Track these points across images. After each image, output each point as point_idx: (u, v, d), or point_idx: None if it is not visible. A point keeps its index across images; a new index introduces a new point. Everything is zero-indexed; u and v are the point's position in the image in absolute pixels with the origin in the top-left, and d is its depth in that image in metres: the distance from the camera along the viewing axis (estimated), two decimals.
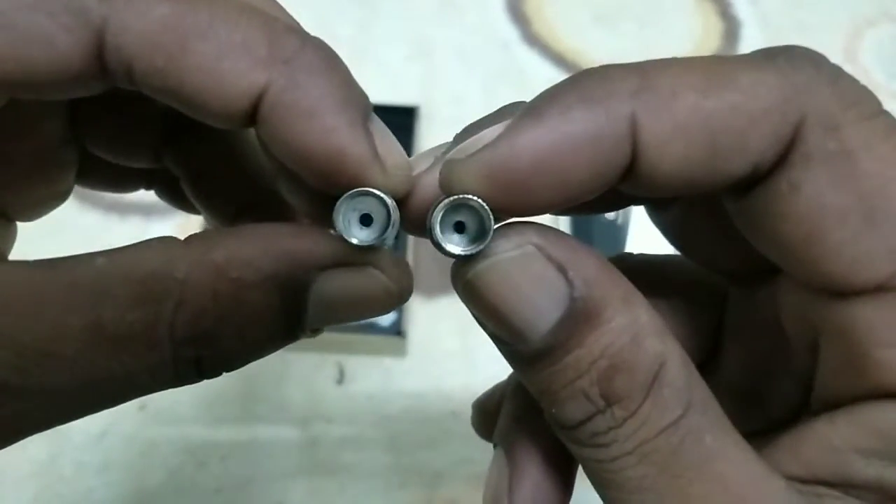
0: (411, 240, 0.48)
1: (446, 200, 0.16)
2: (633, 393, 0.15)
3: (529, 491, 0.19)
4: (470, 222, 0.16)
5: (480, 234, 0.16)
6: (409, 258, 0.47)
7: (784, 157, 0.16)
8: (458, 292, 0.17)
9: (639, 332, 0.16)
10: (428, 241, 0.18)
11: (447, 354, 0.46)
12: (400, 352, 0.45)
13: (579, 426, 0.16)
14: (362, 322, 0.44)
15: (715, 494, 0.15)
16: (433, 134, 0.54)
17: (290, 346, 0.44)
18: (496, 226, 0.16)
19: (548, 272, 0.16)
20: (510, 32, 0.64)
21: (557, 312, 0.16)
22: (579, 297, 0.16)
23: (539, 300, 0.16)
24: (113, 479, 0.41)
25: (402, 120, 0.52)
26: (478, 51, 0.62)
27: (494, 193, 0.16)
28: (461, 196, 0.16)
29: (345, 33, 0.62)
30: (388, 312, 0.19)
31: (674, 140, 0.16)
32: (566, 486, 0.20)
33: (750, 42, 0.64)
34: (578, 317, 0.16)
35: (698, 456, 0.15)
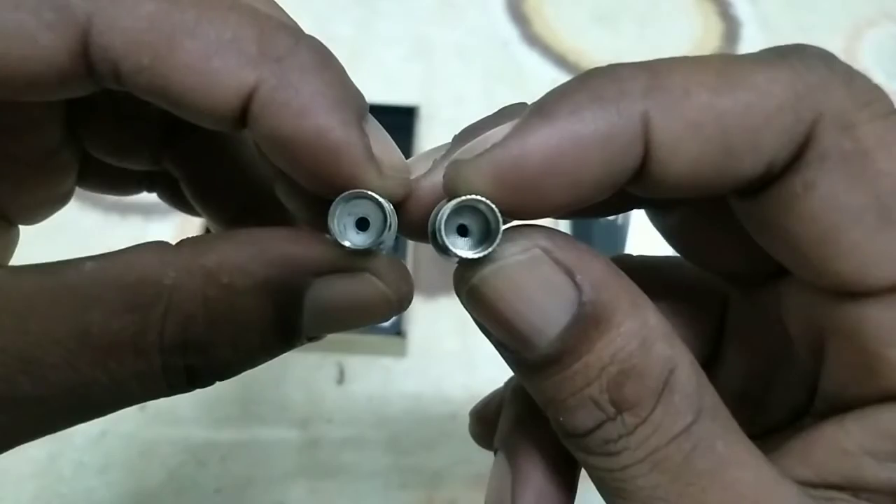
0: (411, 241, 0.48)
1: (455, 201, 0.16)
2: (644, 399, 0.15)
3: (533, 496, 0.19)
4: (473, 225, 0.16)
5: (486, 237, 0.16)
6: (410, 258, 0.47)
7: (798, 156, 0.16)
8: (461, 298, 0.17)
9: (648, 337, 0.15)
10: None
11: (447, 355, 0.46)
12: (400, 352, 0.45)
13: (589, 434, 0.16)
14: None
15: (729, 501, 0.15)
16: (433, 134, 0.54)
17: None
18: (503, 228, 0.16)
19: (556, 276, 0.15)
20: (510, 32, 0.64)
21: (565, 318, 0.15)
22: (588, 302, 0.15)
23: (547, 305, 0.15)
24: (113, 479, 0.41)
25: (402, 120, 0.52)
26: (478, 51, 0.62)
27: (503, 194, 0.15)
28: (471, 197, 0.15)
29: (344, 33, 0.62)
30: (386, 320, 0.18)
31: (687, 139, 0.15)
32: (569, 491, 0.19)
33: (750, 42, 0.64)
34: (587, 322, 0.15)
35: (711, 463, 0.15)
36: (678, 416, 0.15)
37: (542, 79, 0.61)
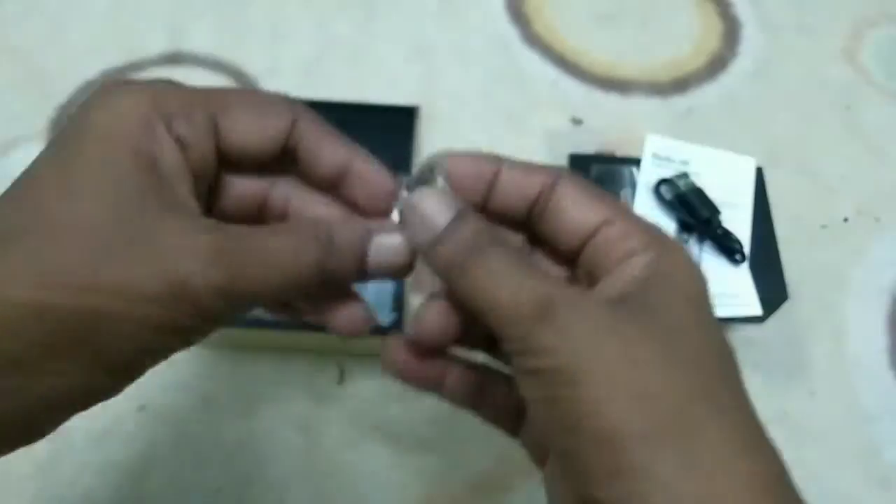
0: None
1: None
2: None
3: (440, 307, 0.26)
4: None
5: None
6: None
7: None
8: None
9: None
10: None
11: None
12: None
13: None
14: None
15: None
16: (433, 134, 0.54)
17: (291, 346, 0.43)
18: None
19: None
20: (510, 32, 0.64)
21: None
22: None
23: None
24: (113, 479, 0.41)
25: (402, 120, 0.52)
26: (478, 51, 0.62)
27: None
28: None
29: (344, 33, 0.62)
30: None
31: None
32: (461, 328, 0.26)
33: (750, 42, 0.64)
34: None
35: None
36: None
37: (542, 79, 0.61)
